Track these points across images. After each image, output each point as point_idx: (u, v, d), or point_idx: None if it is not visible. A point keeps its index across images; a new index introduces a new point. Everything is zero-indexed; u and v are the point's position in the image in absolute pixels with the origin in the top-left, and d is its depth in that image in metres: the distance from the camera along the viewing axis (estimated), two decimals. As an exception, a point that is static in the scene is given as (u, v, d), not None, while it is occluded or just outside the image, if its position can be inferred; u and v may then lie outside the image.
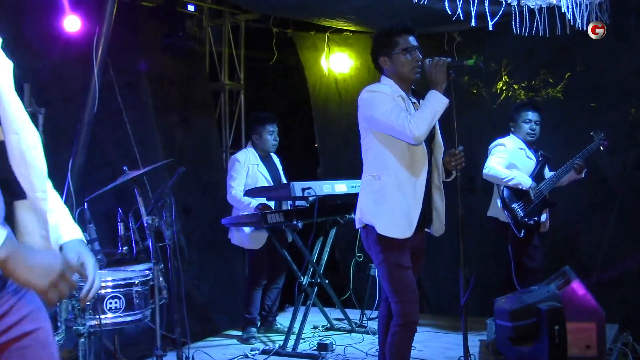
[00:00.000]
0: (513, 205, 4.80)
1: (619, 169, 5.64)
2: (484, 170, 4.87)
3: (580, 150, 4.86)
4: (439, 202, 3.45)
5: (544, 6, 4.34)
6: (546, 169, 5.04)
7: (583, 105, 5.81)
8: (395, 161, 3.26)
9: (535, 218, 4.84)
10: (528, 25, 4.42)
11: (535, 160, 4.96)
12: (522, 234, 4.77)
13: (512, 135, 5.01)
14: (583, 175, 4.91)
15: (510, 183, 4.79)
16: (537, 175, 4.91)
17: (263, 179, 5.17)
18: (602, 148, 4.92)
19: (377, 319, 5.30)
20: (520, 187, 4.80)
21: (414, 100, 3.42)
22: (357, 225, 3.44)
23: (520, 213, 4.80)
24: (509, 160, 4.87)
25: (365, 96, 3.33)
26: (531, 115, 4.95)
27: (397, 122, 3.18)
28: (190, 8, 6.31)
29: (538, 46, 5.73)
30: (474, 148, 6.08)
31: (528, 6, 4.35)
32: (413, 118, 3.18)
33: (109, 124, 5.43)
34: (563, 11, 4.37)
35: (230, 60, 6.91)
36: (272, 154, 5.39)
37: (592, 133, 4.93)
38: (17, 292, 1.63)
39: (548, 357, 3.72)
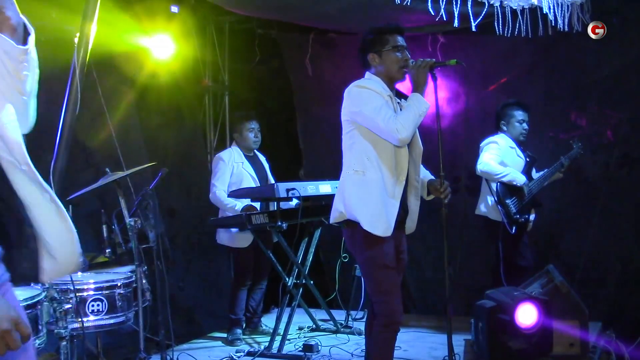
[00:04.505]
0: (507, 201, 4.83)
1: (601, 168, 5.69)
2: (477, 166, 4.89)
3: (562, 151, 4.94)
4: (414, 202, 3.44)
5: (526, 7, 4.38)
6: (533, 170, 5.09)
7: (565, 106, 5.85)
8: (379, 158, 3.25)
9: (526, 216, 4.90)
10: (510, 26, 4.46)
11: (524, 159, 5.01)
12: (513, 231, 4.81)
13: (502, 134, 5.03)
14: (562, 174, 5.09)
15: (504, 179, 4.82)
16: (525, 175, 4.95)
17: (249, 176, 5.15)
18: (578, 157, 5.13)
19: (362, 320, 5.33)
20: (514, 183, 4.83)
21: (398, 100, 3.42)
22: (333, 220, 3.38)
23: (513, 209, 4.84)
24: (501, 158, 4.90)
25: (354, 90, 3.32)
26: (522, 115, 5.00)
27: (384, 122, 3.17)
28: (174, 9, 6.27)
29: (520, 47, 5.76)
30: (458, 148, 6.09)
31: (510, 7, 4.39)
32: (399, 119, 3.18)
33: (92, 126, 5.38)
34: (544, 12, 4.41)
35: (214, 61, 6.88)
36: (258, 153, 5.38)
37: (570, 141, 5.11)
38: None
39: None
